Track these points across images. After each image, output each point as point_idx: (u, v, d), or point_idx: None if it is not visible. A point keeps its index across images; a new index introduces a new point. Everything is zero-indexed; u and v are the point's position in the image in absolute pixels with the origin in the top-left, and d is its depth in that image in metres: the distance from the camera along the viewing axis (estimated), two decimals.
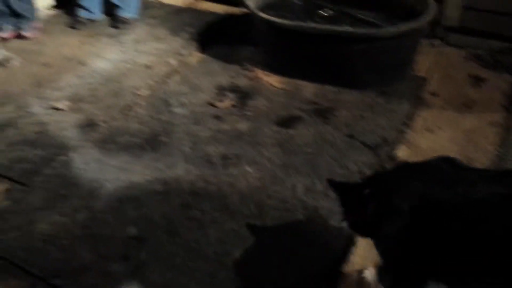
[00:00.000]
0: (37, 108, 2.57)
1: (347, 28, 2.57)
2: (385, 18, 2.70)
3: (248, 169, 2.12)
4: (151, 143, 2.31)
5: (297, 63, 2.71)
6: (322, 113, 2.45)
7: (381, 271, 1.49)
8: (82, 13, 3.39)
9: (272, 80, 2.74)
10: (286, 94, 2.63)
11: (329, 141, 2.26)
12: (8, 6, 3.14)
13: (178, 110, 2.55)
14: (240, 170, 2.12)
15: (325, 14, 2.86)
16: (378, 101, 2.53)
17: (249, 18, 2.87)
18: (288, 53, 2.74)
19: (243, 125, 2.40)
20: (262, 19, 2.63)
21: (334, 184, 1.47)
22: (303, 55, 2.65)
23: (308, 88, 2.66)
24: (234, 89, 2.70)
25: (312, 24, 2.61)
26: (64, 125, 2.45)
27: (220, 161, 2.18)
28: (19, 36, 3.22)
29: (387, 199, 1.26)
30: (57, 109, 2.56)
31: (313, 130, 2.34)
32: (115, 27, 3.35)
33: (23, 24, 3.21)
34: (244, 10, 3.60)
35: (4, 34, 3.18)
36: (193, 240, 1.81)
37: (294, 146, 2.24)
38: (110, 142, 2.33)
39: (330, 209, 1.88)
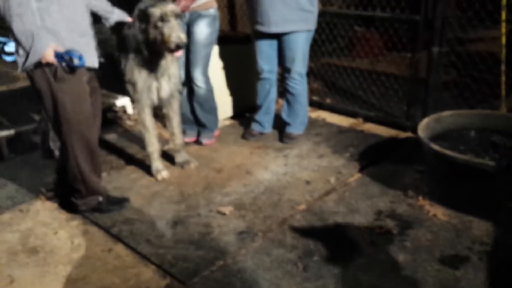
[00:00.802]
0: (204, 210, 2.80)
1: None
2: None
3: None
4: (303, 261, 2.30)
5: (468, 197, 2.54)
6: None
7: None
8: (255, 126, 3.73)
9: (437, 211, 2.58)
10: (453, 229, 2.43)
11: None
12: (194, 115, 3.62)
13: (333, 230, 2.53)
14: None
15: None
16: None
17: (416, 144, 2.83)
18: (458, 186, 2.59)
19: (401, 257, 2.26)
20: (433, 150, 2.57)
21: None
22: (476, 189, 2.47)
23: (479, 226, 2.43)
24: (394, 215, 2.60)
25: (487, 160, 2.45)
26: (226, 230, 2.60)
27: None
28: (198, 142, 3.65)
29: None
30: (221, 213, 2.75)
31: (483, 275, 2.09)
32: (282, 141, 3.60)
33: (205, 132, 3.64)
34: (410, 134, 3.60)
35: (187, 139, 3.63)
36: None
37: None
38: (265, 253, 2.38)
39: None
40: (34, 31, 2.27)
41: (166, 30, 2.71)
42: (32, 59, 2.32)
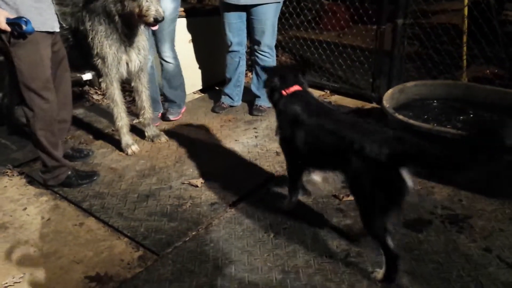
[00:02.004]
0: (176, 183, 2.82)
1: None
2: None
3: (371, 270, 2.05)
4: (274, 229, 2.37)
5: None
6: (456, 220, 2.32)
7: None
8: (224, 99, 3.74)
9: None
10: (416, 194, 2.54)
11: (463, 253, 2.10)
12: (163, 94, 3.59)
13: (303, 199, 2.60)
14: (362, 270, 2.06)
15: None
16: None
17: (382, 115, 2.91)
18: None
19: None
20: (398, 120, 2.65)
21: None
22: None
23: (441, 191, 2.55)
24: None
25: (452, 129, 2.55)
26: (198, 201, 2.63)
27: (342, 258, 2.14)
28: (164, 119, 3.63)
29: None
30: (193, 185, 2.78)
31: (444, 238, 2.21)
32: (252, 114, 3.63)
33: (172, 108, 3.62)
34: (375, 105, 3.69)
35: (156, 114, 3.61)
36: None
37: (422, 253, 2.12)
38: (237, 223, 2.43)
39: None
40: None
41: (144, 3, 2.65)
42: None
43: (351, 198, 2.54)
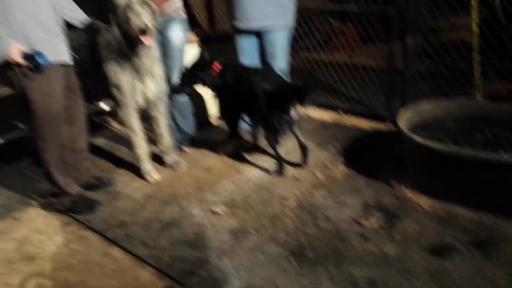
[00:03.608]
0: (197, 210, 2.85)
1: (509, 157, 2.47)
2: None
3: None
4: (297, 257, 2.38)
5: (451, 187, 2.64)
6: (481, 245, 2.31)
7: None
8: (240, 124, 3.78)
9: (421, 201, 2.70)
10: (438, 218, 2.55)
11: (490, 280, 2.09)
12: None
13: (323, 224, 2.62)
14: None
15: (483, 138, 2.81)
16: None
17: (397, 135, 2.93)
18: (441, 176, 2.70)
19: (390, 249, 2.36)
20: (414, 141, 2.67)
21: None
22: (459, 179, 2.59)
23: (464, 215, 2.55)
24: (381, 207, 2.71)
25: (470, 150, 2.56)
26: (219, 228, 2.66)
27: (365, 285, 2.15)
28: (179, 150, 3.61)
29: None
30: (214, 212, 2.81)
31: (470, 263, 2.20)
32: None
33: (184, 139, 3.63)
34: (391, 126, 3.72)
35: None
36: None
37: (448, 280, 2.12)
38: (259, 251, 2.45)
39: None
40: None
41: (131, 16, 2.71)
42: None
43: (372, 223, 2.56)
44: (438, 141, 2.71)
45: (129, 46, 2.83)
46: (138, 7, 2.72)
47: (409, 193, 2.78)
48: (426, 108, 3.20)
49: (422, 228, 2.48)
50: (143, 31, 2.71)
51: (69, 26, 2.82)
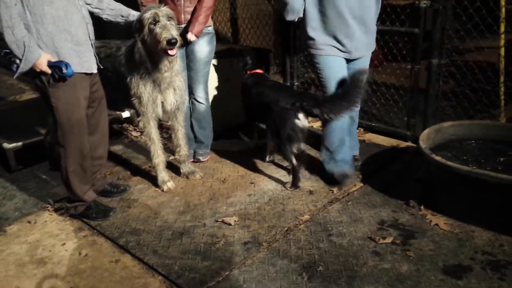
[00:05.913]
0: (209, 221, 2.84)
1: None
2: None
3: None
4: (308, 271, 2.34)
5: (470, 207, 2.58)
6: (497, 266, 2.23)
7: None
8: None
9: (439, 220, 2.62)
10: (455, 238, 2.47)
11: None
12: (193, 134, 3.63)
13: (337, 239, 2.57)
14: None
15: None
16: None
17: (417, 154, 2.88)
18: (461, 197, 2.64)
19: (405, 267, 2.29)
20: (435, 161, 2.61)
21: None
22: (478, 201, 2.52)
23: (481, 235, 2.47)
24: (397, 225, 2.64)
25: (491, 172, 2.48)
26: (231, 240, 2.63)
27: None
28: (195, 160, 3.63)
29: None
30: (226, 223, 2.79)
31: (485, 285, 2.12)
32: None
33: (202, 150, 3.63)
34: (410, 144, 3.65)
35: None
36: None
37: None
38: (270, 264, 2.41)
39: None
40: (26, 42, 2.41)
41: (157, 29, 2.75)
42: (24, 67, 2.46)
43: (387, 240, 2.50)
44: (459, 162, 2.65)
45: (151, 62, 2.88)
46: (164, 21, 2.77)
47: (427, 212, 2.71)
48: (448, 128, 3.13)
49: (439, 248, 2.41)
50: (171, 43, 2.74)
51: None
